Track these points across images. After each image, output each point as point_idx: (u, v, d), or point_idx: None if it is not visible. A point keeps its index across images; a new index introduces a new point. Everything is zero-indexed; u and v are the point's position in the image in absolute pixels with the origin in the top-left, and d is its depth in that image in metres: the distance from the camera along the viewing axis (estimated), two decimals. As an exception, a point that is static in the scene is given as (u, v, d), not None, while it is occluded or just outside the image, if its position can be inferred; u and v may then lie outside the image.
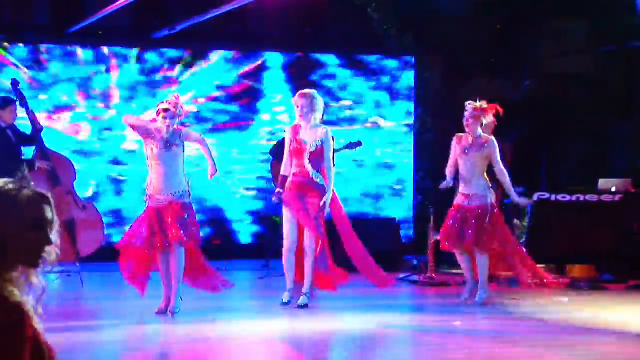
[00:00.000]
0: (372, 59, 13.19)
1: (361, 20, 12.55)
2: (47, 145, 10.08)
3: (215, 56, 12.66)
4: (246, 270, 11.48)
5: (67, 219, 9.90)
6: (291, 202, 8.30)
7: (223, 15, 11.33)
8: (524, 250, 9.15)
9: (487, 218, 8.66)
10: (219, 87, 12.66)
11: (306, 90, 8.46)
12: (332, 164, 8.54)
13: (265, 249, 11.69)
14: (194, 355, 6.71)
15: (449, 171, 8.83)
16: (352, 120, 13.10)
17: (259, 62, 12.83)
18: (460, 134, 8.82)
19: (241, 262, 12.00)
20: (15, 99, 9.85)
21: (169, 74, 12.45)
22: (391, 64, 13.21)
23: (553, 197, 10.30)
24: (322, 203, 8.30)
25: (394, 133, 13.30)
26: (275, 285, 8.63)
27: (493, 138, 8.80)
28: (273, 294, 8.65)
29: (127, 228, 9.02)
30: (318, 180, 8.35)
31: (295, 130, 8.37)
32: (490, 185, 8.80)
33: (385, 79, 13.24)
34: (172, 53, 12.47)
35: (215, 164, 8.11)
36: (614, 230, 10.24)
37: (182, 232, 7.82)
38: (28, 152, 10.04)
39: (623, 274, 10.36)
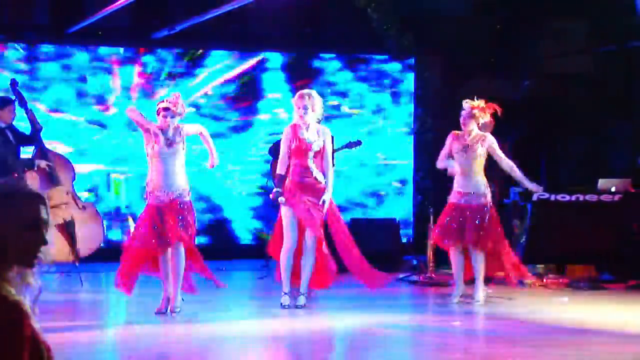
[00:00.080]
0: (372, 59, 13.19)
1: (361, 21, 12.55)
2: (45, 145, 10.09)
3: (215, 56, 12.66)
4: (246, 270, 11.48)
5: (66, 219, 9.90)
6: (295, 202, 8.28)
7: (223, 15, 11.33)
8: (511, 249, 9.12)
9: (487, 217, 8.67)
10: (218, 87, 12.65)
11: (306, 91, 8.46)
12: (331, 164, 8.54)
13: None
14: (193, 355, 6.70)
15: (442, 164, 8.83)
16: (352, 120, 13.09)
17: (259, 62, 12.83)
18: (458, 132, 8.82)
19: (241, 262, 12.00)
20: (14, 99, 9.85)
21: (168, 74, 12.44)
22: (393, 66, 13.20)
23: (553, 197, 10.30)
24: (321, 202, 8.29)
25: (394, 133, 13.29)
26: (275, 285, 8.63)
27: (489, 134, 8.81)
28: (273, 294, 8.65)
29: (127, 228, 9.02)
30: (320, 180, 8.35)
31: (295, 130, 8.36)
32: (487, 184, 8.82)
33: (386, 80, 13.24)
34: (172, 53, 12.47)
35: (216, 153, 8.16)
36: (613, 230, 10.24)
37: (182, 231, 7.83)
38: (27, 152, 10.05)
39: (623, 274, 10.37)
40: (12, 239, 2.47)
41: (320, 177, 8.34)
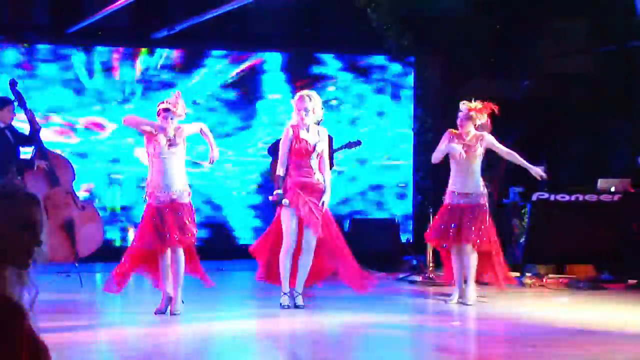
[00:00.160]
0: (372, 59, 13.19)
1: (361, 21, 12.54)
2: (45, 145, 10.08)
3: (215, 56, 12.65)
4: (246, 270, 11.47)
5: (66, 219, 9.90)
6: (297, 203, 8.26)
7: (222, 16, 11.33)
8: (500, 250, 9.10)
9: (486, 217, 8.67)
10: (218, 88, 12.65)
11: (306, 92, 8.45)
12: (329, 165, 8.54)
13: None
14: (192, 356, 6.70)
15: (439, 154, 8.79)
16: (352, 120, 13.08)
17: (259, 62, 12.83)
18: (455, 130, 8.81)
19: (241, 262, 11.98)
20: (13, 99, 9.84)
21: (168, 74, 12.44)
22: (393, 66, 13.20)
23: (552, 197, 10.30)
24: (321, 203, 8.29)
25: (394, 133, 13.28)
26: (275, 285, 8.62)
27: (487, 133, 8.81)
28: (273, 294, 8.64)
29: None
30: (321, 181, 8.34)
31: (295, 130, 8.35)
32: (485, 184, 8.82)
33: (386, 80, 13.24)
34: (172, 53, 12.46)
35: (216, 148, 8.18)
36: (613, 230, 10.25)
37: (182, 232, 7.82)
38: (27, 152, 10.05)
39: (622, 273, 10.36)
40: (7, 240, 2.47)
41: (320, 178, 8.34)
